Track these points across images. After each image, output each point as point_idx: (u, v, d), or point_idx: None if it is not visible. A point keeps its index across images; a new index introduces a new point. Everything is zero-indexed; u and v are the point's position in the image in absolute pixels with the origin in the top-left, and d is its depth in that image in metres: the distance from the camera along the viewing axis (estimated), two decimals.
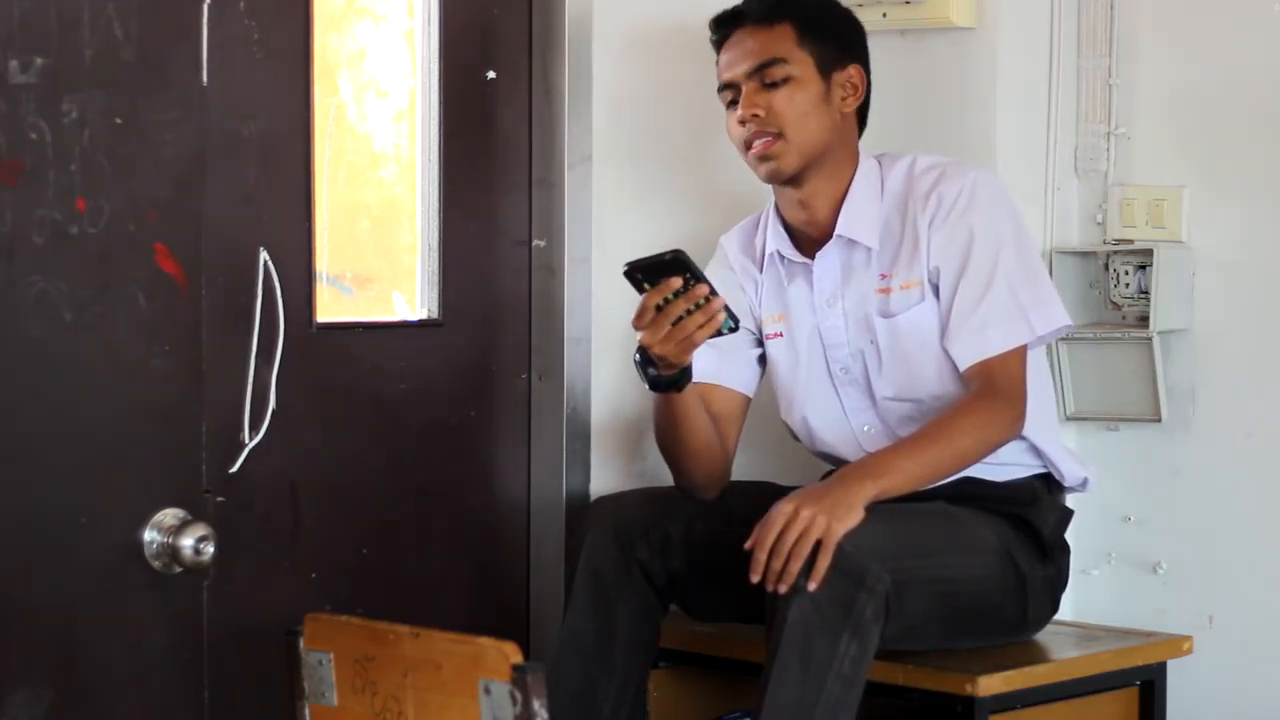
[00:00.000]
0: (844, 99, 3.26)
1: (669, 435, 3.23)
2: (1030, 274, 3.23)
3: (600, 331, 3.60)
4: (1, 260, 2.88)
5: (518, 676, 2.38)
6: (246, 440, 3.19)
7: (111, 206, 2.99)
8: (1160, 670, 3.40)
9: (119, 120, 2.99)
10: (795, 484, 3.27)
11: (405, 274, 3.50)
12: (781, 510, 2.98)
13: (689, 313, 3.01)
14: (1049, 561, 3.27)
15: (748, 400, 3.37)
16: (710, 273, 3.21)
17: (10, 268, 2.89)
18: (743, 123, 3.21)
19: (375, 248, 3.49)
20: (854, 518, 2.96)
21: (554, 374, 3.61)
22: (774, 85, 3.21)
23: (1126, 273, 3.72)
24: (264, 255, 3.20)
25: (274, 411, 3.21)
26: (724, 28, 3.29)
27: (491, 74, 3.55)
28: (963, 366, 3.19)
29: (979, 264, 3.18)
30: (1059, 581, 3.31)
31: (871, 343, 3.24)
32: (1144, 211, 3.72)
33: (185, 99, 3.08)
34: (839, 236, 3.25)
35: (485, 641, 2.42)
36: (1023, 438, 3.26)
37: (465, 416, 3.53)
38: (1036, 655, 3.28)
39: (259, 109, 3.19)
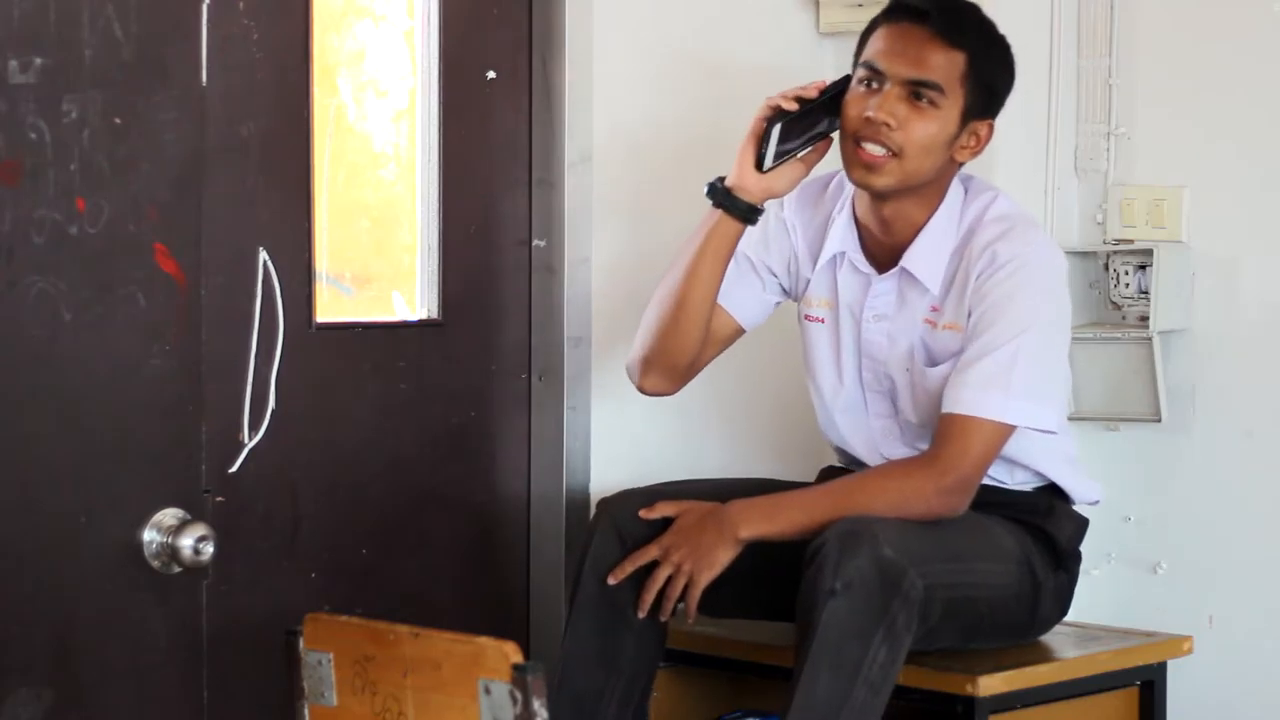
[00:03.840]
0: (963, 148, 3.18)
1: (689, 274, 3.23)
2: (1041, 367, 3.12)
3: (600, 331, 3.60)
4: (1, 260, 2.88)
5: (518, 676, 2.38)
6: (246, 440, 3.19)
7: (111, 206, 2.99)
8: (1160, 670, 3.40)
9: (119, 120, 2.99)
10: (801, 480, 3.28)
11: (405, 274, 3.50)
12: (659, 543, 3.09)
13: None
14: (1062, 570, 3.28)
15: (739, 331, 3.37)
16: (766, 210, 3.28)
17: (10, 268, 2.89)
18: (869, 119, 3.13)
19: (375, 248, 3.49)
20: (720, 564, 3.06)
21: (554, 374, 3.61)
22: (918, 102, 3.13)
23: (1126, 273, 3.72)
24: (264, 255, 3.20)
25: (274, 411, 3.21)
26: (902, 16, 3.17)
27: (491, 74, 3.55)
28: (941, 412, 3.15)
29: (999, 331, 3.10)
30: (1070, 588, 3.31)
31: (907, 370, 3.22)
32: (1144, 211, 3.72)
33: (185, 99, 3.08)
34: (903, 268, 3.22)
35: (485, 641, 2.42)
36: (1034, 469, 3.27)
37: (465, 416, 3.53)
38: (1036, 655, 3.28)
39: (259, 109, 3.19)
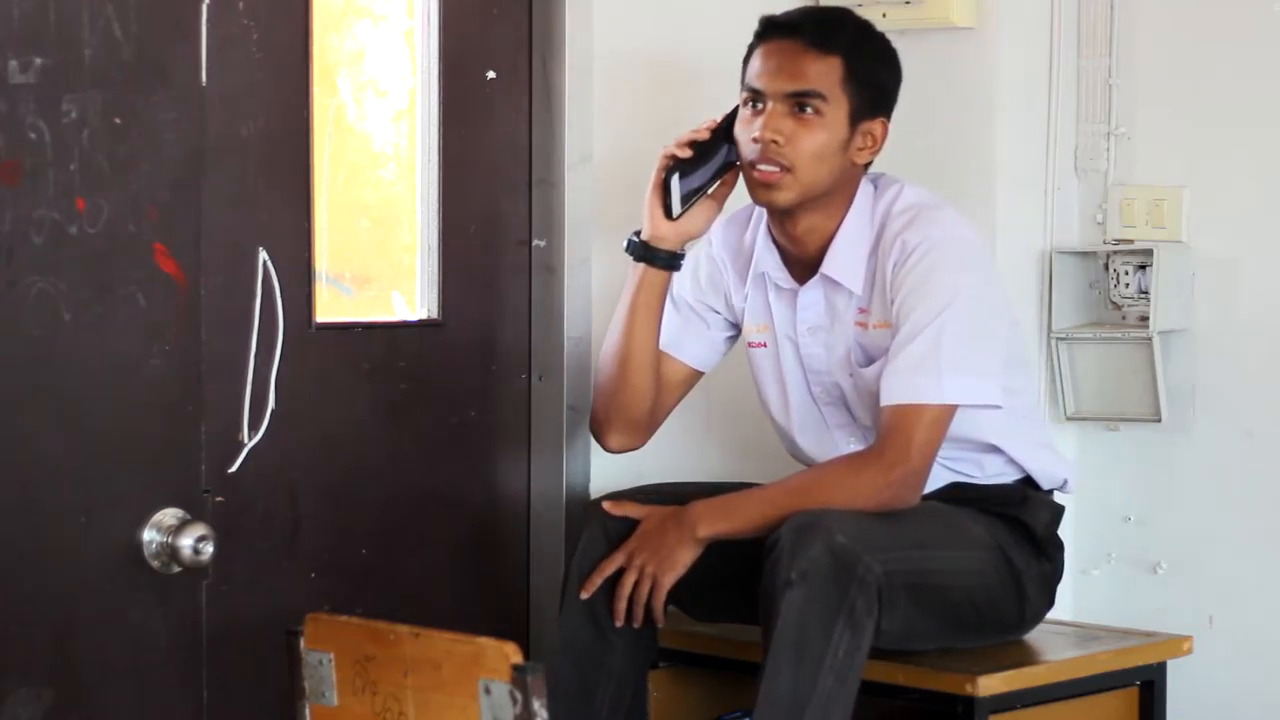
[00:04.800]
0: (860, 149, 3.20)
1: (626, 331, 3.27)
2: (970, 341, 3.12)
3: (600, 331, 3.60)
4: (1, 260, 2.88)
5: (518, 676, 2.39)
6: (246, 440, 3.19)
7: (111, 206, 2.99)
8: (1160, 670, 3.40)
9: (119, 120, 2.99)
10: None
11: (405, 274, 3.50)
12: (624, 549, 3.12)
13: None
14: (1043, 558, 3.28)
15: (696, 375, 3.41)
16: (694, 253, 3.33)
17: (10, 268, 2.89)
18: (756, 140, 3.17)
19: (375, 248, 3.48)
20: (682, 564, 3.09)
21: (554, 374, 3.61)
22: (803, 114, 3.16)
23: (1126, 273, 3.72)
24: (264, 255, 3.20)
25: (273, 411, 3.21)
26: (773, 33, 3.22)
27: (491, 74, 3.55)
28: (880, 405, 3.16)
29: (920, 315, 3.12)
30: (1054, 577, 3.32)
31: (850, 375, 3.24)
32: (1144, 211, 3.72)
33: (185, 99, 3.08)
34: (824, 275, 3.24)
35: (485, 641, 2.43)
36: (1000, 451, 3.27)
37: (465, 416, 3.53)
38: (1036, 655, 3.28)
39: (259, 109, 3.19)
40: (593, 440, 3.61)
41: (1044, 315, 3.74)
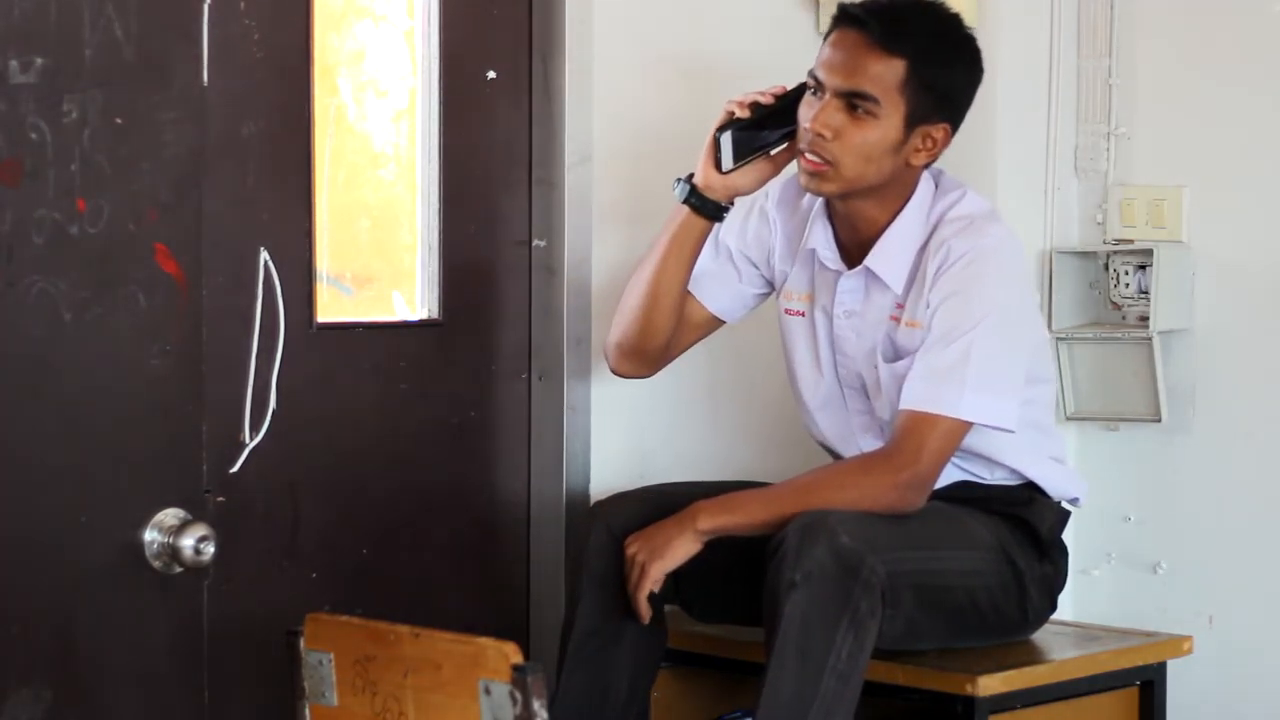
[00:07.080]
0: (917, 151, 3.16)
1: (657, 270, 3.28)
2: (998, 360, 3.11)
3: (600, 331, 3.60)
4: (1, 260, 2.88)
5: (518, 676, 2.39)
6: (246, 440, 3.19)
7: (111, 206, 2.99)
8: (1160, 670, 3.40)
9: (119, 120, 2.99)
10: None
11: (405, 274, 3.50)
12: (628, 555, 3.11)
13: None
14: (1046, 560, 3.28)
15: (713, 319, 3.41)
16: (747, 201, 3.32)
17: (10, 268, 2.89)
18: (808, 130, 3.14)
19: (375, 247, 3.49)
20: (676, 555, 3.07)
21: (554, 374, 3.61)
22: (855, 113, 3.12)
23: (1126, 273, 3.72)
24: (264, 255, 3.20)
25: (274, 411, 3.21)
26: (843, 24, 3.17)
27: (491, 74, 3.55)
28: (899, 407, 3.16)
29: (953, 325, 3.10)
30: (1057, 581, 3.32)
31: (874, 367, 3.23)
32: (1144, 211, 3.72)
33: (185, 99, 3.08)
34: (867, 267, 3.23)
35: (485, 641, 2.43)
36: (1008, 467, 3.27)
37: (465, 416, 3.53)
38: (1036, 655, 3.28)
39: (259, 109, 3.19)
40: (592, 440, 3.61)
41: (1044, 315, 3.75)
